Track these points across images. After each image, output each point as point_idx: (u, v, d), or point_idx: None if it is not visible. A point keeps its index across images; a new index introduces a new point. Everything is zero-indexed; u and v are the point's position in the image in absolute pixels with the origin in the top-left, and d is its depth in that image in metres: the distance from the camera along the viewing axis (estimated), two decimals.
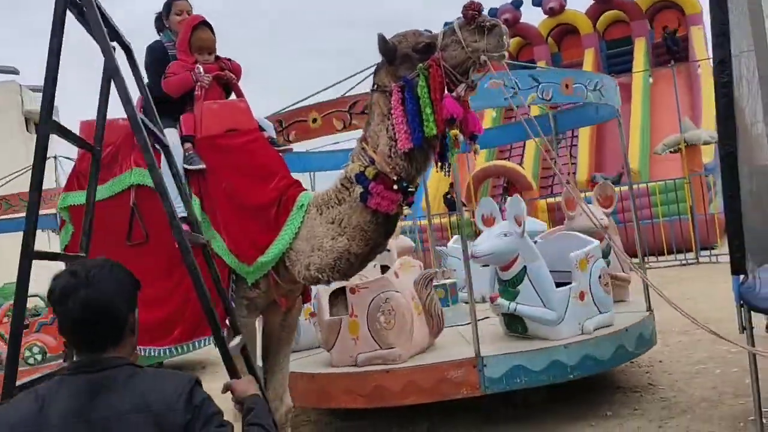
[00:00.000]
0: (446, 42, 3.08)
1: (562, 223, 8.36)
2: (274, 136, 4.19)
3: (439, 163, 3.37)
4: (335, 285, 5.12)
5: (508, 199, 6.35)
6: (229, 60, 4.12)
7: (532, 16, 23.61)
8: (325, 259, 3.42)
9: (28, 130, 20.92)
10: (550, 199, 15.44)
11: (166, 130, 3.79)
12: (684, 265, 13.13)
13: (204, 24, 3.98)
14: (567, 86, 5.40)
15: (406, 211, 3.37)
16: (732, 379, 5.46)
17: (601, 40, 22.97)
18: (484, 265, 5.99)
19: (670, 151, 15.35)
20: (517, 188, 16.79)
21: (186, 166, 3.68)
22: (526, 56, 22.84)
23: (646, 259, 13.57)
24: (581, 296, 5.33)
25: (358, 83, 5.53)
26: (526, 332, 5.31)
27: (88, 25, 2.18)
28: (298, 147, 6.15)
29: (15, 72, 21.06)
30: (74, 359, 1.75)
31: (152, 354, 3.87)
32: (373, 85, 3.36)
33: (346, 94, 5.33)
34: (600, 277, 5.51)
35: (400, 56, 3.19)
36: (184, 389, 1.69)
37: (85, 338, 1.72)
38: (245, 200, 3.63)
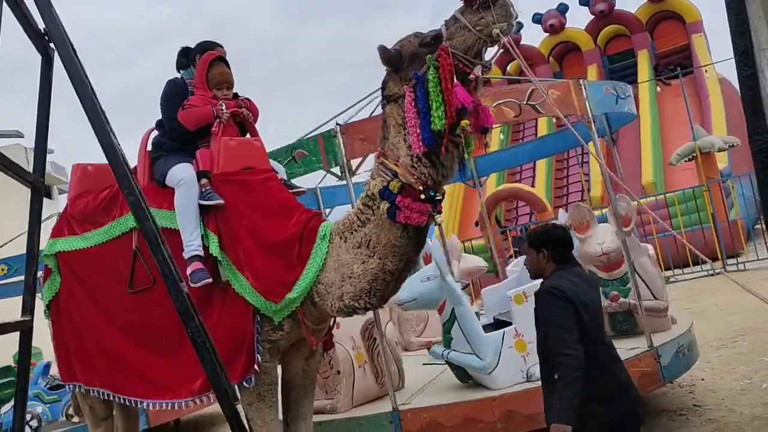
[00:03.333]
0: (451, 31, 2.99)
1: None
2: (286, 179, 4.04)
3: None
4: None
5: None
6: (249, 99, 3.98)
7: (533, 36, 23.57)
8: (359, 284, 3.23)
9: None
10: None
11: (181, 165, 3.65)
12: (711, 275, 12.72)
13: (220, 60, 3.86)
14: None
15: (438, 219, 3.17)
16: None
17: (603, 56, 22.84)
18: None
19: (685, 160, 15.04)
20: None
21: (202, 202, 3.52)
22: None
23: (672, 271, 13.27)
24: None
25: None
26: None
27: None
28: None
29: (20, 135, 21.17)
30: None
31: (164, 407, 3.60)
32: (383, 100, 3.23)
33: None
34: None
35: (408, 57, 3.08)
36: None
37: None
38: (268, 236, 3.45)
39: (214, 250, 3.43)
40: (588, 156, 18.68)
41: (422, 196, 3.04)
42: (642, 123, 18.38)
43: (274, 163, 3.97)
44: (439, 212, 3.18)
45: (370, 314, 4.93)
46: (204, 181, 3.58)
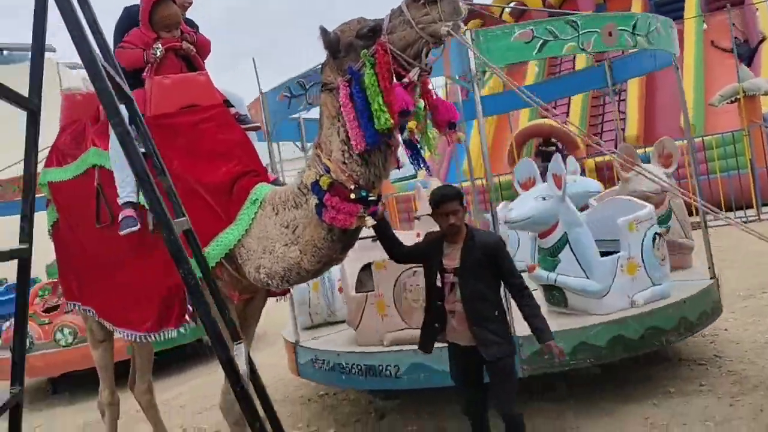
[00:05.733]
0: (393, 24, 2.72)
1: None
2: (245, 113, 3.87)
3: (415, 163, 3.05)
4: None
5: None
6: (196, 32, 3.78)
7: None
8: (275, 266, 3.12)
9: None
10: (599, 158, 14.74)
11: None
12: (745, 222, 12.38)
13: None
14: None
15: (368, 222, 2.97)
16: None
17: None
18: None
19: (728, 102, 14.45)
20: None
21: None
22: (569, 8, 21.84)
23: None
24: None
25: None
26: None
27: None
28: None
29: (52, 50, 21.20)
30: None
31: (129, 338, 3.70)
32: (321, 85, 3.00)
33: None
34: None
35: (344, 47, 2.83)
36: None
37: None
38: (193, 186, 3.32)
39: (141, 197, 3.36)
40: (626, 93, 18.10)
41: (352, 196, 2.85)
42: (685, 61, 17.64)
43: (232, 95, 3.80)
44: (372, 215, 2.97)
45: None
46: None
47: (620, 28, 4.69)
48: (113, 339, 4.42)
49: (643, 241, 4.81)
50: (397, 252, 3.54)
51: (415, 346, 4.49)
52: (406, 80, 2.71)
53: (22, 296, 2.12)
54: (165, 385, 7.64)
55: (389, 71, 2.68)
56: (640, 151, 9.13)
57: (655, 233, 4.89)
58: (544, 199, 4.64)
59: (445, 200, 3.32)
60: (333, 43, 2.84)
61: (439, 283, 3.39)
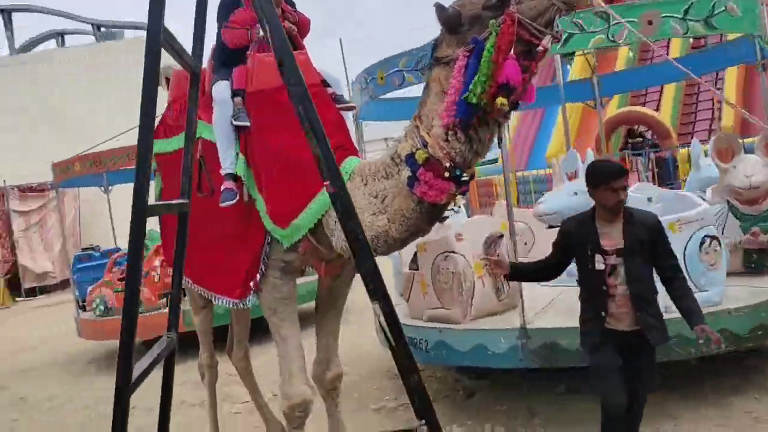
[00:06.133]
0: None
1: None
2: (341, 93, 3.94)
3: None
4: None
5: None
6: (295, 11, 3.91)
7: None
8: None
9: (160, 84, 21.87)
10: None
11: (219, 83, 3.71)
12: None
13: None
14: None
15: (460, 200, 3.02)
16: None
17: None
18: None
19: None
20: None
21: (233, 122, 3.60)
22: None
23: None
24: None
25: None
26: None
27: None
28: None
29: (144, 28, 22.03)
30: None
31: (224, 303, 3.86)
32: (431, 60, 2.99)
33: None
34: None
35: (468, 19, 2.79)
36: None
37: None
38: (288, 160, 3.43)
39: (239, 169, 3.54)
40: (723, 82, 17.30)
41: (446, 174, 2.85)
42: None
43: (329, 75, 3.89)
44: (463, 194, 3.00)
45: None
46: (237, 99, 3.60)
47: (665, 15, 4.44)
48: (212, 306, 4.68)
49: (687, 243, 4.53)
50: (548, 273, 3.51)
51: (443, 325, 4.89)
52: (540, 48, 2.69)
53: (180, 249, 2.33)
54: None
55: (509, 44, 2.63)
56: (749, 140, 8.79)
57: (705, 236, 4.57)
58: (575, 194, 4.57)
59: (619, 175, 3.21)
60: (452, 18, 2.81)
61: (600, 266, 3.22)
